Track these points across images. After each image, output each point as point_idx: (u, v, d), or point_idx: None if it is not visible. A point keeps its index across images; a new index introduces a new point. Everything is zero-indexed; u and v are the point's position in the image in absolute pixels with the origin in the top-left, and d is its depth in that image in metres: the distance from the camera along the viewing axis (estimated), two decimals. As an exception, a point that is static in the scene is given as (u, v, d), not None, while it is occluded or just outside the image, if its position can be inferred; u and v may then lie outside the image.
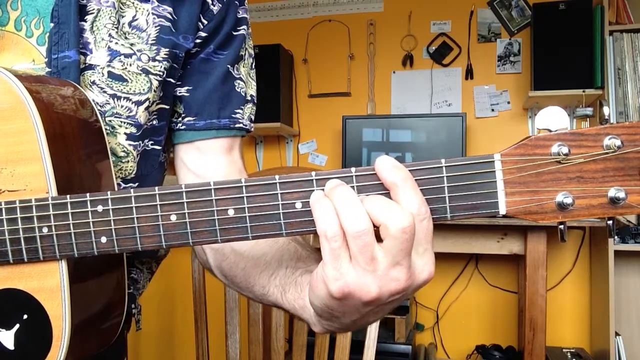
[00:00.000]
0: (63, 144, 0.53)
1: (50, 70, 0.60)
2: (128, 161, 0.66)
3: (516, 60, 2.65)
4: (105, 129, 0.61)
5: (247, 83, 0.76)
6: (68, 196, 0.49)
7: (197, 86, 0.72)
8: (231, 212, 0.46)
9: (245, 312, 1.18)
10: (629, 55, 2.26)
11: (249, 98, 0.76)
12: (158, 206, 0.48)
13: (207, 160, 0.73)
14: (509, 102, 2.66)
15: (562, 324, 2.52)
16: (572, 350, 2.32)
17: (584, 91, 2.25)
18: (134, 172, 0.67)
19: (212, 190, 0.47)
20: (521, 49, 2.64)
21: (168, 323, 2.93)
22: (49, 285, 0.51)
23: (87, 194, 0.49)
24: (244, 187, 0.46)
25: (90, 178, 0.56)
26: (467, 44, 2.71)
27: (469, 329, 2.63)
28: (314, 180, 0.45)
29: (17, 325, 0.51)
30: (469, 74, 2.70)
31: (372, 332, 1.07)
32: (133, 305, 0.75)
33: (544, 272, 1.95)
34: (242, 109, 0.74)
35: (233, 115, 0.73)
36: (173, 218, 0.47)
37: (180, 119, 0.73)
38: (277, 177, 0.45)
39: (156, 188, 0.48)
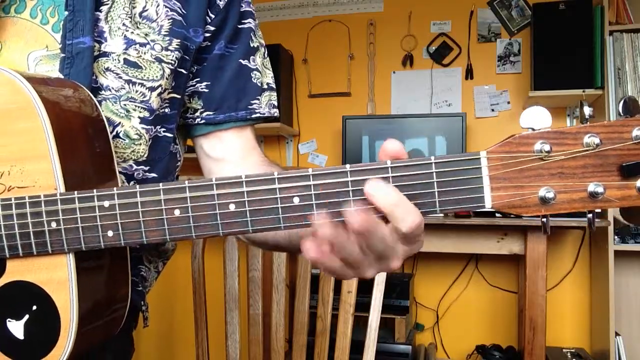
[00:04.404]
0: (70, 142, 0.55)
1: (64, 55, 0.63)
2: (140, 144, 0.69)
3: (516, 60, 2.65)
4: (120, 112, 0.66)
5: (262, 73, 0.80)
6: (76, 192, 0.52)
7: (215, 81, 0.76)
8: (232, 207, 0.49)
9: (245, 312, 1.18)
10: (629, 55, 2.26)
11: (265, 87, 0.80)
12: (162, 201, 0.50)
13: (224, 145, 0.78)
14: (508, 102, 2.66)
15: (562, 324, 2.52)
16: (572, 350, 2.32)
17: (584, 91, 2.25)
18: (146, 155, 0.70)
19: (214, 186, 0.49)
20: (521, 49, 2.64)
21: (168, 323, 2.93)
22: (58, 278, 0.53)
23: (94, 190, 0.51)
24: (244, 183, 0.48)
25: (96, 174, 0.58)
26: (467, 44, 2.70)
27: (469, 329, 2.63)
28: (311, 176, 0.47)
29: (27, 316, 0.53)
30: (469, 74, 2.70)
31: (372, 332, 1.07)
32: (142, 303, 0.77)
33: (544, 272, 1.95)
34: (258, 99, 0.78)
35: (249, 107, 0.77)
36: (177, 212, 0.50)
37: (198, 113, 0.76)
38: (275, 173, 0.48)
39: (160, 184, 0.50)
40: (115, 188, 0.51)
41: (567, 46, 2.31)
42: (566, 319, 2.53)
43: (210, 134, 0.77)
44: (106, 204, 0.51)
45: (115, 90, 0.66)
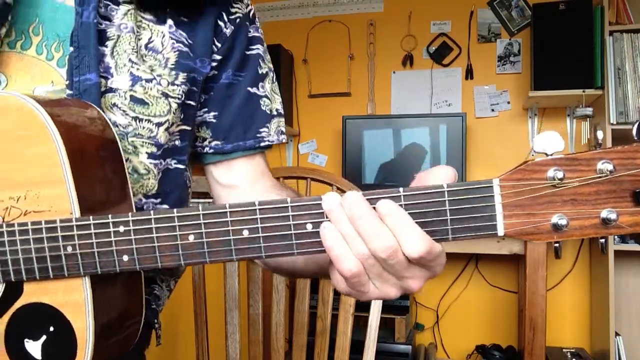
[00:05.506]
0: (84, 166, 0.55)
1: (71, 92, 0.62)
2: (149, 178, 0.69)
3: (516, 60, 2.65)
4: (128, 149, 0.65)
5: (271, 99, 0.79)
6: (91, 217, 0.52)
7: (223, 111, 0.75)
8: (246, 233, 0.49)
9: (245, 312, 1.18)
10: (629, 55, 2.25)
11: (275, 113, 0.79)
12: (177, 227, 0.50)
13: (233, 173, 0.77)
14: (509, 102, 2.66)
15: (562, 324, 2.52)
16: (572, 350, 2.32)
17: (584, 91, 2.25)
18: (155, 189, 0.70)
19: (228, 213, 0.49)
20: (521, 49, 2.64)
21: (168, 323, 2.93)
22: (74, 300, 0.54)
23: (109, 216, 0.52)
24: (257, 210, 0.49)
25: (110, 197, 0.59)
26: (467, 44, 2.71)
27: (469, 329, 2.63)
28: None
29: (44, 337, 0.54)
30: (469, 74, 2.70)
31: (372, 332, 1.07)
32: (155, 321, 0.77)
33: (544, 272, 1.95)
34: (267, 127, 0.78)
35: (258, 135, 0.77)
36: (191, 238, 0.50)
37: (207, 142, 0.76)
38: (288, 199, 0.48)
39: (175, 210, 0.50)
40: (130, 214, 0.51)
41: (567, 46, 2.31)
42: (566, 319, 2.53)
43: (219, 163, 0.77)
44: (121, 229, 0.51)
45: (123, 127, 0.65)
